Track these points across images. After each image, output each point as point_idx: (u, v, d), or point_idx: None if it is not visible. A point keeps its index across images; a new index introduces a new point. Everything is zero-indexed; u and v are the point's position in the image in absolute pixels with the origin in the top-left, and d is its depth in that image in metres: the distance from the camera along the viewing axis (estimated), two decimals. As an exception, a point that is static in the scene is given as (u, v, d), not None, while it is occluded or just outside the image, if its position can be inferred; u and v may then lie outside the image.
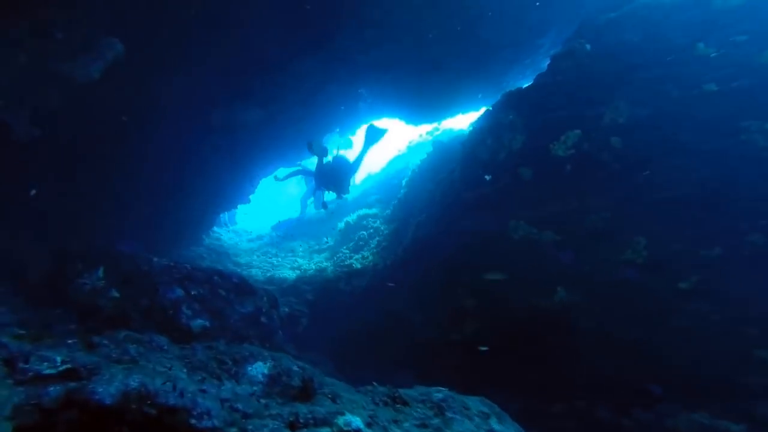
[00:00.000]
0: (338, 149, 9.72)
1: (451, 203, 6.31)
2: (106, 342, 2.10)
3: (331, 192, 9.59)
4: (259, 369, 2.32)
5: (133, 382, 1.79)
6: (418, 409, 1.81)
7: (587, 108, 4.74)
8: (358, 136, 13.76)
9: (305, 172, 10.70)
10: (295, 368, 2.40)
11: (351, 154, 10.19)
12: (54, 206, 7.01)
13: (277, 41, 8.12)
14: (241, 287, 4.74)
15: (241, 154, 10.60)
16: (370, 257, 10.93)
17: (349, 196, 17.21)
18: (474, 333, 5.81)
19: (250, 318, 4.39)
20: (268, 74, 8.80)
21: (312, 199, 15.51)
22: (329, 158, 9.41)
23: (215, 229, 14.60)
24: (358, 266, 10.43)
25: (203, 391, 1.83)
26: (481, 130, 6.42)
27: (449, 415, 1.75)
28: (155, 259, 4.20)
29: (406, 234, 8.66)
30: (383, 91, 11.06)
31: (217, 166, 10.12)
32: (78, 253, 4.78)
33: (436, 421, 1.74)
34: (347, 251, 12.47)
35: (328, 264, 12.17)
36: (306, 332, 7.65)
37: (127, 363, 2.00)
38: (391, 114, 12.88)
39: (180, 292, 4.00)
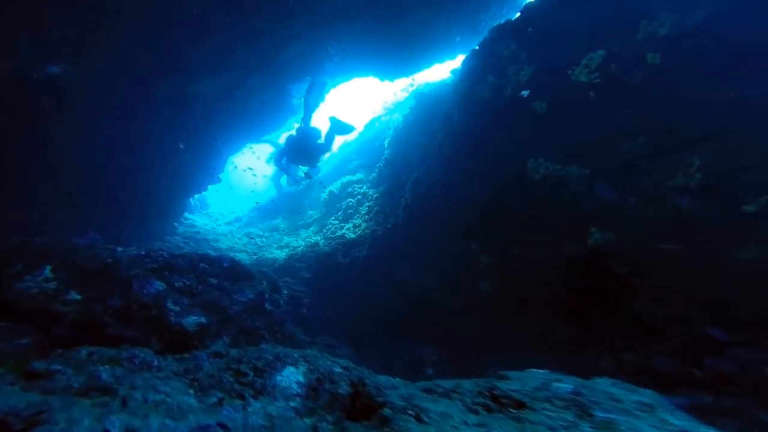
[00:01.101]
0: (301, 123, 8.99)
1: (453, 152, 5.68)
2: (58, 367, 1.38)
3: (301, 167, 9.18)
4: (291, 377, 1.70)
5: (113, 428, 1.12)
6: (548, 413, 1.24)
7: (614, 24, 4.10)
8: (327, 102, 12.62)
9: (278, 154, 9.73)
10: (337, 369, 1.80)
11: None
12: None
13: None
14: (235, 272, 4.00)
15: (200, 131, 9.33)
16: (363, 224, 10.31)
17: (327, 165, 16.24)
18: (493, 291, 5.46)
19: (253, 306, 3.72)
20: (214, 35, 7.46)
21: (285, 177, 14.42)
22: (294, 132, 8.84)
23: (187, 215, 13.33)
24: (352, 236, 9.81)
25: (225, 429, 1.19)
26: (474, 69, 5.67)
27: (602, 415, 1.19)
28: (119, 249, 3.36)
29: (402, 194, 8.03)
30: (353, 45, 9.86)
31: (174, 145, 8.86)
32: (13, 252, 3.82)
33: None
34: (336, 222, 11.75)
35: (318, 238, 11.45)
36: (310, 314, 7.09)
37: (98, 396, 1.30)
38: (363, 71, 11.73)
39: (160, 285, 3.24)
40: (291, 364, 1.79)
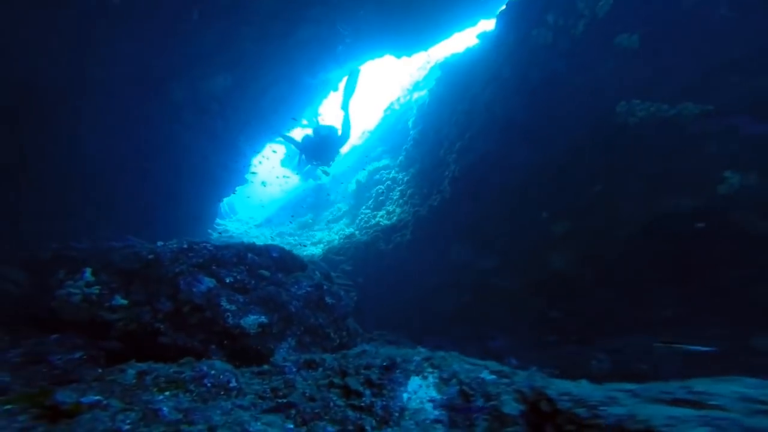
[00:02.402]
0: (315, 118, 9.09)
1: (507, 111, 4.93)
2: (97, 398, 0.86)
3: (317, 164, 9.12)
4: (420, 392, 1.14)
5: None
6: None
7: None
8: (340, 91, 12.20)
9: (295, 144, 9.52)
10: (487, 375, 1.20)
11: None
12: (23, 215, 5.63)
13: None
14: (286, 262, 3.50)
15: (220, 130, 9.00)
16: (398, 210, 9.71)
17: (350, 157, 15.72)
18: (567, 266, 4.71)
19: (314, 300, 3.20)
20: (222, 25, 7.00)
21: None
22: (311, 132, 8.73)
23: (219, 221, 13.22)
24: (387, 222, 9.24)
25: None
26: (525, 14, 4.86)
27: None
28: (159, 243, 2.91)
29: (440, 170, 7.34)
30: (365, 21, 9.14)
31: (195, 147, 8.55)
32: (56, 258, 3.48)
33: None
34: (368, 211, 11.22)
35: (352, 229, 10.98)
36: (359, 307, 6.59)
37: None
38: (377, 50, 10.98)
39: (209, 281, 2.77)
40: (414, 372, 1.20)
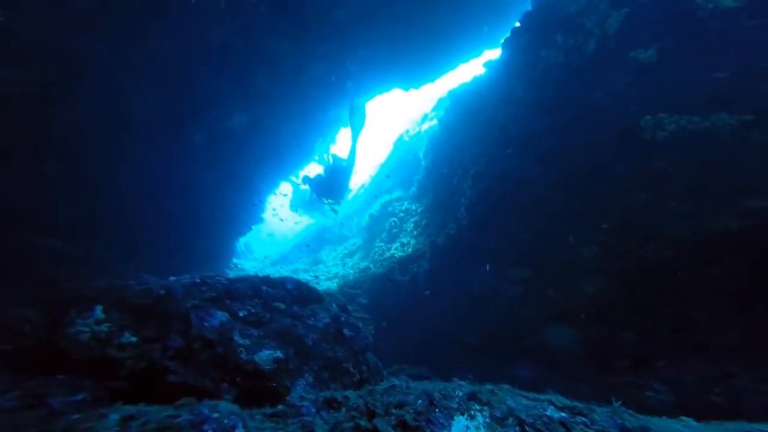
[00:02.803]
0: (328, 155, 9.25)
1: (521, 131, 4.87)
2: None
3: (329, 202, 9.26)
4: None
5: None
6: None
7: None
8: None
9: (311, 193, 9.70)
10: (553, 412, 0.98)
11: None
12: (45, 258, 5.70)
13: (237, 24, 6.87)
14: (302, 293, 3.33)
15: (238, 169, 9.30)
16: (412, 241, 9.51)
17: (363, 193, 15.90)
18: (599, 291, 4.36)
19: (331, 332, 2.98)
20: (237, 68, 7.49)
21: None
22: (321, 171, 8.98)
23: (235, 260, 13.26)
24: (401, 254, 9.03)
25: None
26: (533, 36, 4.98)
27: None
28: (172, 278, 2.81)
29: (455, 198, 7.22)
30: (372, 56, 9.65)
31: (214, 186, 8.80)
32: (71, 298, 3.40)
33: None
34: (382, 244, 11.05)
35: (367, 263, 10.77)
36: (376, 341, 6.22)
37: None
38: (385, 84, 11.45)
39: (223, 315, 2.61)
40: (458, 411, 0.99)
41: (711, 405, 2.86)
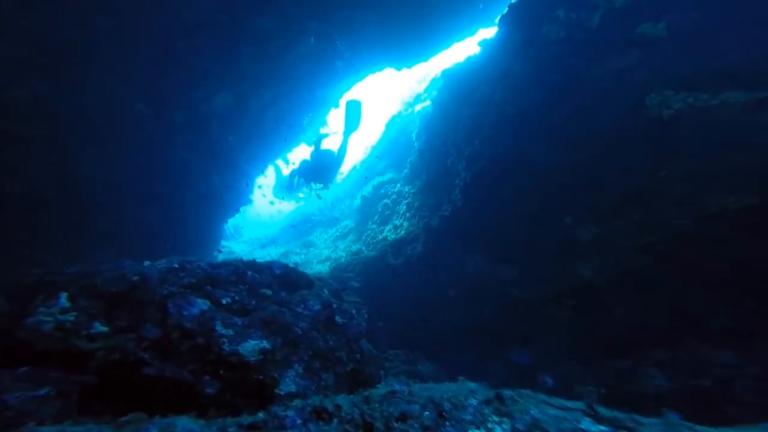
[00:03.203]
0: (318, 139, 9.10)
1: (518, 110, 4.63)
2: None
3: (315, 187, 9.30)
4: None
5: None
6: None
7: None
8: (340, 109, 12.38)
9: (293, 174, 9.58)
10: (591, 427, 0.79)
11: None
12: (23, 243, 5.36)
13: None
14: (290, 279, 3.12)
15: (223, 151, 8.87)
16: (405, 223, 9.34)
17: (354, 174, 15.56)
18: (596, 274, 4.27)
19: (322, 320, 2.80)
20: (220, 45, 6.97)
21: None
22: (308, 157, 8.94)
23: (224, 243, 12.92)
24: (394, 236, 8.87)
25: None
26: (532, 12, 4.66)
27: None
28: (146, 262, 2.56)
29: (448, 180, 7.01)
30: (363, 34, 9.15)
31: (198, 168, 8.39)
32: (39, 284, 3.13)
33: None
34: (375, 226, 10.86)
35: (359, 245, 10.60)
36: (370, 326, 6.12)
37: None
38: (377, 64, 10.97)
39: (204, 303, 2.39)
40: (473, 425, 0.80)
41: (703, 390, 2.82)
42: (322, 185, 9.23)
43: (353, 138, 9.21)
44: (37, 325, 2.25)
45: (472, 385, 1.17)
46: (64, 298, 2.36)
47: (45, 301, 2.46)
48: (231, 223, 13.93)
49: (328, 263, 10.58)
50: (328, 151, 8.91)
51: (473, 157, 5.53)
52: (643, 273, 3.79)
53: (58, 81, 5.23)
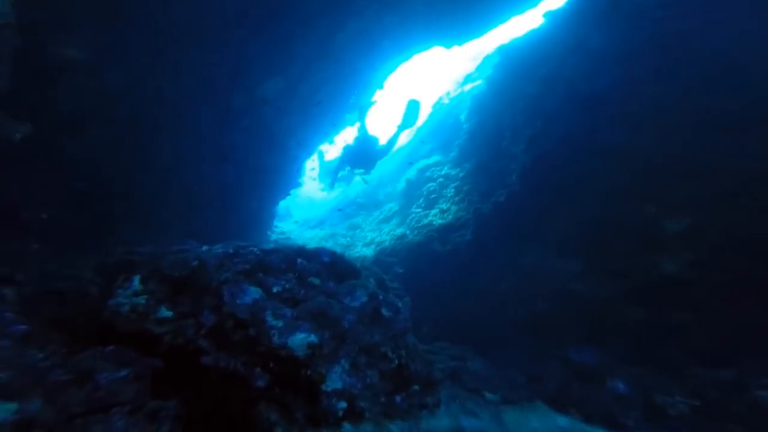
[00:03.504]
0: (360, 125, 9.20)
1: (594, 85, 3.96)
2: None
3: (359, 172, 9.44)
4: None
5: None
6: None
7: None
8: (385, 90, 12.04)
9: (338, 163, 9.76)
10: None
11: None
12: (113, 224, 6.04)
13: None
14: (338, 268, 3.04)
15: (275, 134, 9.08)
16: (453, 207, 8.93)
17: (395, 157, 15.24)
18: (684, 270, 3.62)
19: (368, 313, 2.69)
20: (272, 27, 6.92)
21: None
22: (352, 142, 9.06)
23: (276, 223, 13.58)
24: (441, 221, 8.53)
25: None
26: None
27: None
28: (204, 248, 2.62)
29: (501, 163, 6.44)
30: (413, 9, 8.55)
31: (254, 152, 8.70)
32: (120, 263, 3.42)
33: None
34: (420, 210, 10.58)
35: (403, 229, 10.44)
36: (414, 315, 6.00)
37: None
38: (425, 42, 10.28)
39: (256, 292, 2.40)
40: None
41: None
42: (364, 170, 9.28)
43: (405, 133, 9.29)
44: (117, 307, 2.42)
45: (561, 421, 0.93)
46: (137, 281, 2.51)
47: (125, 281, 2.64)
48: (282, 205, 14.56)
49: (373, 247, 10.61)
50: (372, 137, 8.87)
51: (534, 139, 4.94)
52: (749, 270, 3.11)
53: (134, 73, 5.60)
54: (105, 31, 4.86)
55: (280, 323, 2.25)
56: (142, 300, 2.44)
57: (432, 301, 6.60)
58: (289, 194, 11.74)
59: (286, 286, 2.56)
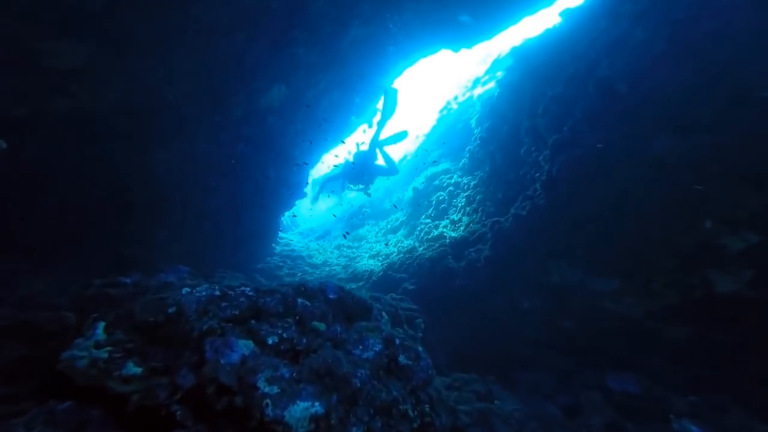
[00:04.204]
0: (358, 146, 9.26)
1: (644, 84, 3.44)
2: None
3: (358, 187, 9.44)
4: None
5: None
6: None
7: None
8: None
9: (331, 179, 9.78)
10: None
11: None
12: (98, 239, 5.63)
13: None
14: (346, 305, 2.54)
15: (279, 144, 8.70)
16: (465, 218, 8.40)
17: (406, 164, 14.78)
18: (737, 290, 3.06)
19: (384, 363, 2.18)
20: (274, 33, 6.56)
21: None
22: (351, 159, 9.07)
23: (281, 234, 13.15)
24: (453, 234, 7.99)
25: None
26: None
27: None
28: (185, 290, 2.12)
29: (520, 172, 5.91)
30: (419, 11, 8.16)
31: (256, 162, 8.32)
32: (98, 296, 2.96)
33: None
34: (429, 220, 10.06)
35: (412, 241, 9.92)
36: (428, 338, 5.45)
37: None
38: (431, 46, 9.87)
39: (246, 347, 1.91)
40: None
41: None
42: (363, 187, 9.21)
43: (389, 125, 8.82)
44: (72, 361, 1.95)
45: None
46: (100, 330, 2.04)
47: (86, 330, 2.18)
48: (288, 215, 14.15)
49: (380, 259, 10.10)
50: (369, 153, 8.72)
51: (561, 145, 4.42)
52: None
53: (131, 79, 5.24)
54: (102, 38, 4.49)
55: (275, 389, 1.74)
56: (104, 354, 1.97)
57: (446, 321, 6.05)
58: (294, 205, 11.32)
59: (284, 335, 2.07)
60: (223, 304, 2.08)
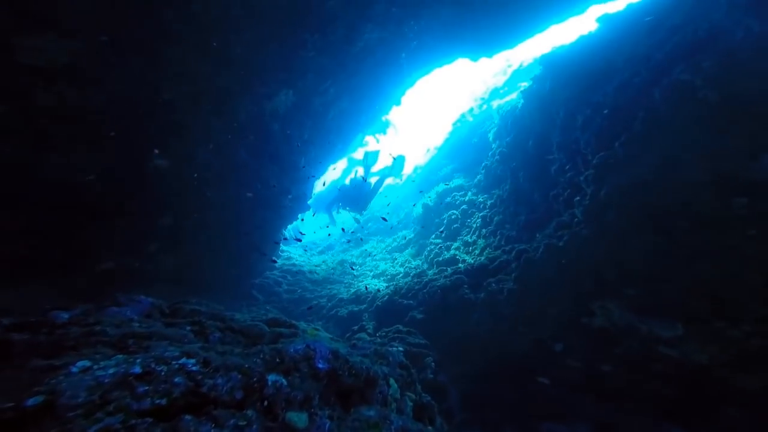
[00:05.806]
0: (356, 170, 9.20)
1: (739, 87, 2.65)
2: None
3: (349, 210, 9.58)
4: None
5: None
6: None
7: None
8: (402, 106, 11.44)
9: (332, 201, 9.80)
10: None
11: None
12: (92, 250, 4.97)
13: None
14: (341, 382, 1.72)
15: (283, 152, 8.06)
16: (480, 241, 7.55)
17: (416, 178, 14.07)
18: None
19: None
20: (283, 33, 6.02)
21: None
22: (348, 181, 9.09)
23: (283, 247, 12.40)
24: (468, 259, 7.14)
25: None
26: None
27: None
28: (77, 366, 1.29)
29: (549, 193, 5.10)
30: (437, 16, 7.60)
31: (259, 172, 7.67)
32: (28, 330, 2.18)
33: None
34: (439, 240, 9.21)
35: (420, 262, 9.05)
36: (439, 379, 4.56)
37: None
38: (447, 54, 9.27)
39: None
40: None
41: None
42: (356, 211, 9.32)
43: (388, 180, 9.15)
44: None
45: None
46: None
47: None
48: (291, 227, 13.44)
49: (384, 279, 9.24)
50: (365, 182, 8.82)
51: (612, 165, 3.61)
52: None
53: (128, 82, 4.66)
54: (98, 37, 3.93)
55: None
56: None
57: (460, 358, 5.15)
58: (297, 218, 10.59)
59: (238, 443, 1.26)
60: (142, 388, 1.28)
